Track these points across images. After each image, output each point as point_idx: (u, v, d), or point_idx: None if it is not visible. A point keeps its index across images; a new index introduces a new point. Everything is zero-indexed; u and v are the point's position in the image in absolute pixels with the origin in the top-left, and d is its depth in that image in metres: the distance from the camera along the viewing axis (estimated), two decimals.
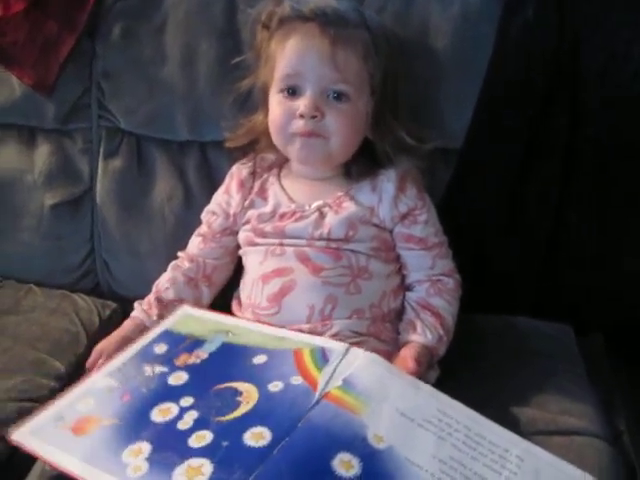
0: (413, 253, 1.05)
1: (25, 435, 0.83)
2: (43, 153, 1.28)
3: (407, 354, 0.95)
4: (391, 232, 1.05)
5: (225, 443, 0.77)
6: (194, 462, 0.75)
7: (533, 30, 1.11)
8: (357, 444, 0.77)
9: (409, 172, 1.05)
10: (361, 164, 1.06)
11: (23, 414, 0.89)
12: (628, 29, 1.10)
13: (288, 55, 1.00)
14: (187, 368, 0.90)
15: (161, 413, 0.83)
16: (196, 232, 1.14)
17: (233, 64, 1.13)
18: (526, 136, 1.14)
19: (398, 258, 1.06)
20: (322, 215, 1.03)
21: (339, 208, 1.03)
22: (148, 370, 0.91)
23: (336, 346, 0.90)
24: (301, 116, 0.99)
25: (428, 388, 0.86)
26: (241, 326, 0.98)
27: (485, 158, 1.16)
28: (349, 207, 1.03)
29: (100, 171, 1.26)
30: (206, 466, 0.74)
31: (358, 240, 1.02)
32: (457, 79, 1.14)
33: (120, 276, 1.30)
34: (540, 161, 1.15)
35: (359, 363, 0.86)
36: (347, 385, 0.83)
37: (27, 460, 0.87)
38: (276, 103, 1.03)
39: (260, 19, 1.06)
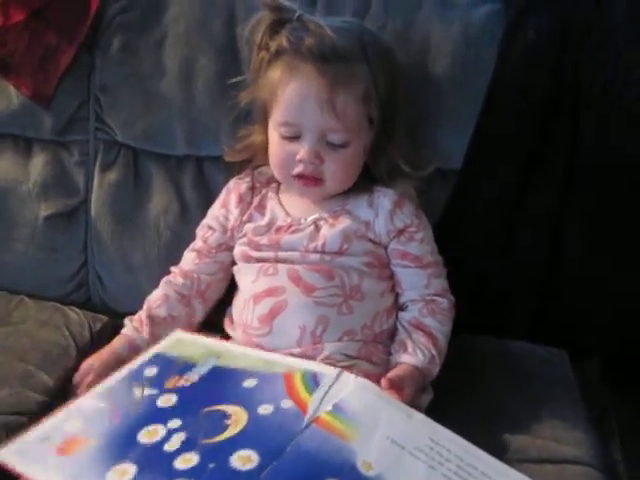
0: (408, 271, 1.04)
1: (10, 454, 0.81)
2: (39, 164, 1.27)
3: (390, 373, 0.94)
4: (386, 248, 1.04)
5: (211, 465, 0.75)
6: None
7: (534, 51, 1.11)
8: (346, 471, 0.75)
9: (406, 190, 1.06)
10: (358, 181, 1.06)
11: (9, 428, 0.88)
12: (630, 53, 1.10)
13: (287, 101, 1.00)
14: (176, 390, 0.88)
15: (148, 435, 0.81)
16: (190, 247, 1.13)
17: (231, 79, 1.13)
18: (525, 157, 1.13)
19: (392, 276, 1.05)
20: (317, 228, 1.03)
21: (335, 221, 1.03)
22: (137, 392, 0.89)
23: (327, 371, 0.88)
24: (300, 161, 1.00)
25: (420, 416, 0.85)
26: (232, 350, 0.96)
27: (483, 179, 1.15)
28: (345, 221, 1.03)
29: (96, 183, 1.25)
30: None
31: (352, 254, 1.01)
32: (456, 99, 1.13)
33: (113, 290, 1.28)
34: (539, 182, 1.14)
35: (350, 388, 0.85)
36: (337, 410, 0.82)
37: None
38: (276, 141, 1.03)
39: (254, 38, 1.05)
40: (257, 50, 1.05)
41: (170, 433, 0.80)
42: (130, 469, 0.76)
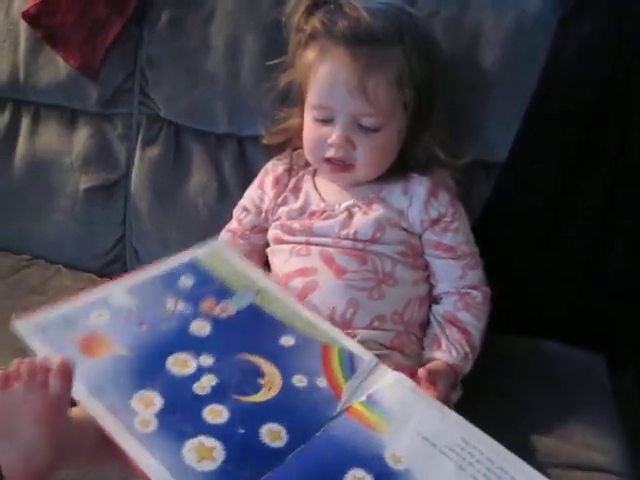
0: (442, 262, 1.02)
1: (30, 328, 0.81)
2: (82, 136, 1.28)
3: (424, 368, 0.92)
4: (420, 237, 1.03)
5: (241, 430, 0.75)
6: (207, 441, 0.73)
7: (590, 46, 1.07)
8: (374, 462, 0.74)
9: (443, 179, 1.04)
10: (394, 167, 1.04)
11: None
12: None
13: (319, 84, 0.99)
14: (211, 319, 0.87)
15: (178, 364, 0.80)
16: (226, 228, 1.12)
17: (276, 59, 1.10)
18: (572, 155, 1.10)
19: (426, 266, 1.03)
20: (350, 215, 1.02)
21: (368, 209, 1.02)
22: (170, 303, 0.88)
23: (365, 356, 0.87)
24: (331, 145, 0.99)
25: (454, 415, 0.82)
26: (272, 291, 0.94)
27: (528, 174, 1.12)
28: (378, 209, 1.01)
29: (137, 158, 1.26)
30: (218, 450, 0.72)
31: (385, 242, 1.00)
32: (505, 91, 1.10)
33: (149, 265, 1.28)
34: (585, 182, 1.11)
35: (386, 381, 0.84)
36: (371, 402, 0.81)
37: None
38: (309, 124, 1.02)
39: (292, 20, 1.04)
40: (294, 32, 1.04)
41: (201, 371, 0.80)
42: (156, 400, 0.76)
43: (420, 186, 1.02)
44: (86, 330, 0.82)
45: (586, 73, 1.08)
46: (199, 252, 0.98)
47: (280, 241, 1.05)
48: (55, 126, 1.30)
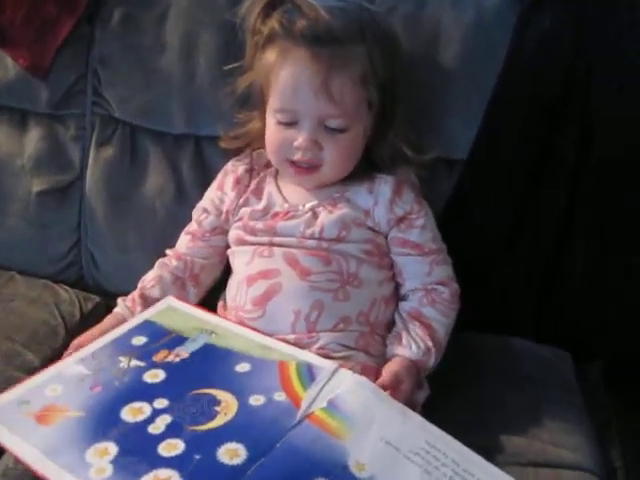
0: (409, 259, 1.02)
1: None
2: (33, 138, 1.24)
3: (386, 369, 0.92)
4: (386, 237, 1.02)
5: (197, 456, 0.73)
6: (162, 473, 0.72)
7: (549, 40, 1.07)
8: (337, 472, 0.73)
9: (407, 177, 1.04)
10: (359, 167, 1.03)
11: None
12: None
13: (282, 88, 0.97)
14: (165, 366, 0.86)
15: (132, 412, 0.79)
16: (185, 230, 1.10)
17: (233, 56, 1.09)
18: (533, 152, 1.10)
19: (391, 265, 1.03)
20: (315, 215, 1.01)
21: (333, 208, 1.01)
22: (123, 361, 0.87)
23: (324, 364, 0.86)
24: (298, 148, 0.98)
25: (417, 418, 0.82)
26: (226, 327, 0.94)
27: (490, 171, 1.12)
28: (343, 208, 1.01)
29: (91, 160, 1.22)
30: (174, 479, 0.71)
31: (350, 241, 0.99)
32: (465, 88, 1.10)
33: (106, 269, 1.26)
34: (546, 181, 1.11)
35: (347, 386, 0.83)
36: (332, 407, 0.80)
37: None
38: (273, 128, 1.01)
39: (247, 22, 1.02)
40: (251, 34, 1.02)
41: (155, 414, 0.79)
42: (111, 449, 0.75)
43: (385, 185, 1.01)
44: (41, 404, 0.81)
45: (547, 66, 1.08)
46: (148, 313, 0.97)
47: (242, 242, 1.03)
48: (5, 128, 1.26)
